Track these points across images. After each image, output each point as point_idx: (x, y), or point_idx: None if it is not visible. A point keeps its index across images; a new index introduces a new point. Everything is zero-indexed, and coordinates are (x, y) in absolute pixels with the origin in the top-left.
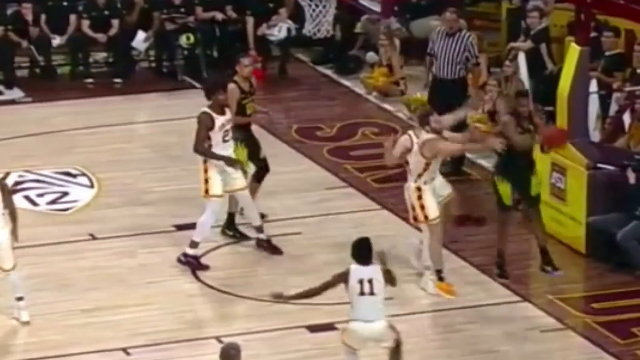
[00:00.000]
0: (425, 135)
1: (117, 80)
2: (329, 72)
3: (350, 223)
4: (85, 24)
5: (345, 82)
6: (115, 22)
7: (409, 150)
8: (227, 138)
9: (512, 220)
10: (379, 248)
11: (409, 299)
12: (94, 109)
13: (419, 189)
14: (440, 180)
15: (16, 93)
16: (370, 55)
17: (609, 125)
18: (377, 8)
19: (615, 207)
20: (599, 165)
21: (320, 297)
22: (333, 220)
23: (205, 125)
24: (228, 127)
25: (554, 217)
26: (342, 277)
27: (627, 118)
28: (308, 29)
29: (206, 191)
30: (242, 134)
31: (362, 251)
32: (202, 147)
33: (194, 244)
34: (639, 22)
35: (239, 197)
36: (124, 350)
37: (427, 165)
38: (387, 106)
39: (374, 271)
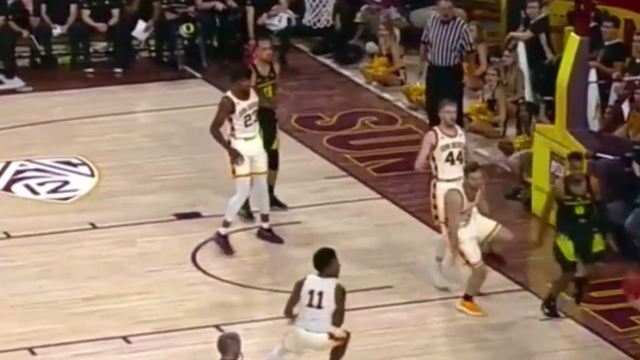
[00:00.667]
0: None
1: (118, 69)
2: (328, 61)
3: (350, 212)
4: (86, 13)
5: (345, 72)
6: (115, 12)
7: (433, 147)
8: (249, 122)
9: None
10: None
11: (408, 288)
12: (95, 99)
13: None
14: (478, 221)
15: (17, 82)
16: (370, 45)
17: (608, 115)
18: None
19: (615, 196)
20: (598, 154)
21: None
22: (333, 209)
23: (225, 109)
24: (250, 112)
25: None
26: (299, 286)
27: (626, 107)
28: (308, 18)
29: (233, 171)
30: (261, 116)
31: (319, 262)
32: (216, 130)
33: (226, 224)
34: (639, 12)
35: (255, 181)
36: (125, 338)
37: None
38: (386, 96)
39: (327, 285)
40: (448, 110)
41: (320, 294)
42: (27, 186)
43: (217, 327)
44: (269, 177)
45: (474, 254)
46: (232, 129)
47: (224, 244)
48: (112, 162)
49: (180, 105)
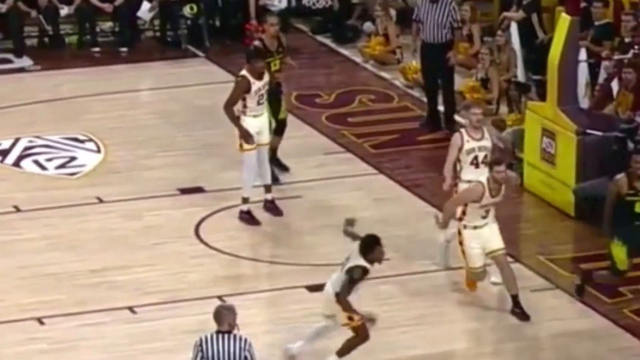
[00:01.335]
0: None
1: (123, 49)
2: (327, 41)
3: (348, 186)
4: None
5: (343, 51)
6: None
7: (460, 149)
8: (261, 101)
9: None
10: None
11: (404, 260)
12: (101, 77)
13: (459, 232)
14: (492, 230)
15: (26, 61)
16: (368, 25)
17: (597, 93)
18: None
19: (604, 171)
20: (588, 131)
21: (318, 258)
22: (332, 184)
23: (241, 88)
24: (263, 91)
25: (544, 181)
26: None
27: (615, 85)
28: None
29: (240, 145)
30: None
31: (363, 247)
32: (230, 109)
33: (244, 200)
34: None
35: (257, 151)
36: (130, 309)
37: (465, 206)
38: (383, 74)
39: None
40: (474, 113)
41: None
42: (36, 162)
43: (219, 297)
44: (273, 141)
45: (477, 259)
46: (244, 106)
47: (248, 219)
48: (117, 139)
49: (183, 83)
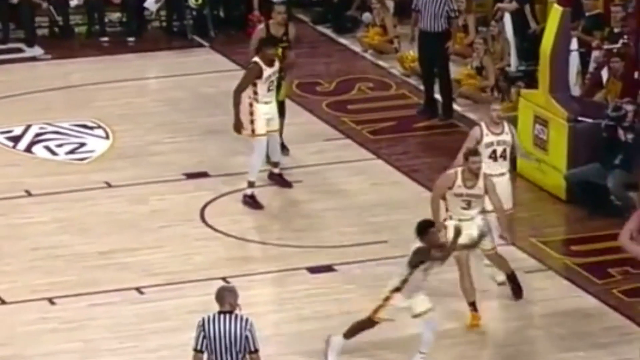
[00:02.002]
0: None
1: (131, 38)
2: (327, 31)
3: (348, 172)
4: None
5: (343, 41)
6: None
7: (478, 143)
8: (271, 88)
9: None
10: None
11: (402, 243)
12: (109, 66)
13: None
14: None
15: (37, 51)
16: (366, 16)
17: (588, 81)
18: None
19: (594, 157)
20: (579, 117)
21: (318, 241)
22: (332, 169)
23: (253, 74)
24: (273, 78)
25: (536, 167)
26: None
27: (604, 74)
28: None
29: (253, 131)
30: None
31: (418, 230)
32: (239, 95)
33: (250, 184)
34: None
35: (269, 137)
36: (138, 289)
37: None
38: (381, 63)
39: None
40: (494, 109)
41: None
42: (47, 147)
43: (224, 279)
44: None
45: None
46: (255, 92)
47: (252, 203)
48: (125, 125)
49: (188, 72)
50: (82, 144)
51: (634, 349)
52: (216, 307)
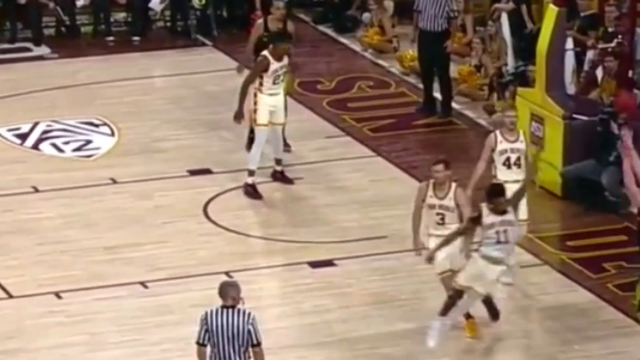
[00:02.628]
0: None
1: (136, 38)
2: (328, 30)
3: (348, 168)
4: None
5: (343, 40)
6: None
7: (493, 150)
8: (277, 81)
9: None
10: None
11: (400, 238)
12: (115, 65)
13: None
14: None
15: (44, 50)
16: (366, 16)
17: (583, 79)
18: None
19: (589, 154)
20: (574, 115)
21: (319, 236)
22: (332, 166)
23: (261, 66)
24: (280, 72)
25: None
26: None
27: (599, 73)
28: None
29: (255, 120)
30: None
31: (487, 195)
32: (246, 87)
33: (250, 173)
34: None
35: (272, 130)
36: (142, 284)
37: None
38: (381, 62)
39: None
40: (508, 115)
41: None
42: (54, 145)
43: (227, 273)
44: None
45: (439, 265)
46: (260, 84)
47: (252, 192)
48: (130, 123)
49: (192, 70)
50: (88, 141)
51: (628, 342)
52: (219, 301)
